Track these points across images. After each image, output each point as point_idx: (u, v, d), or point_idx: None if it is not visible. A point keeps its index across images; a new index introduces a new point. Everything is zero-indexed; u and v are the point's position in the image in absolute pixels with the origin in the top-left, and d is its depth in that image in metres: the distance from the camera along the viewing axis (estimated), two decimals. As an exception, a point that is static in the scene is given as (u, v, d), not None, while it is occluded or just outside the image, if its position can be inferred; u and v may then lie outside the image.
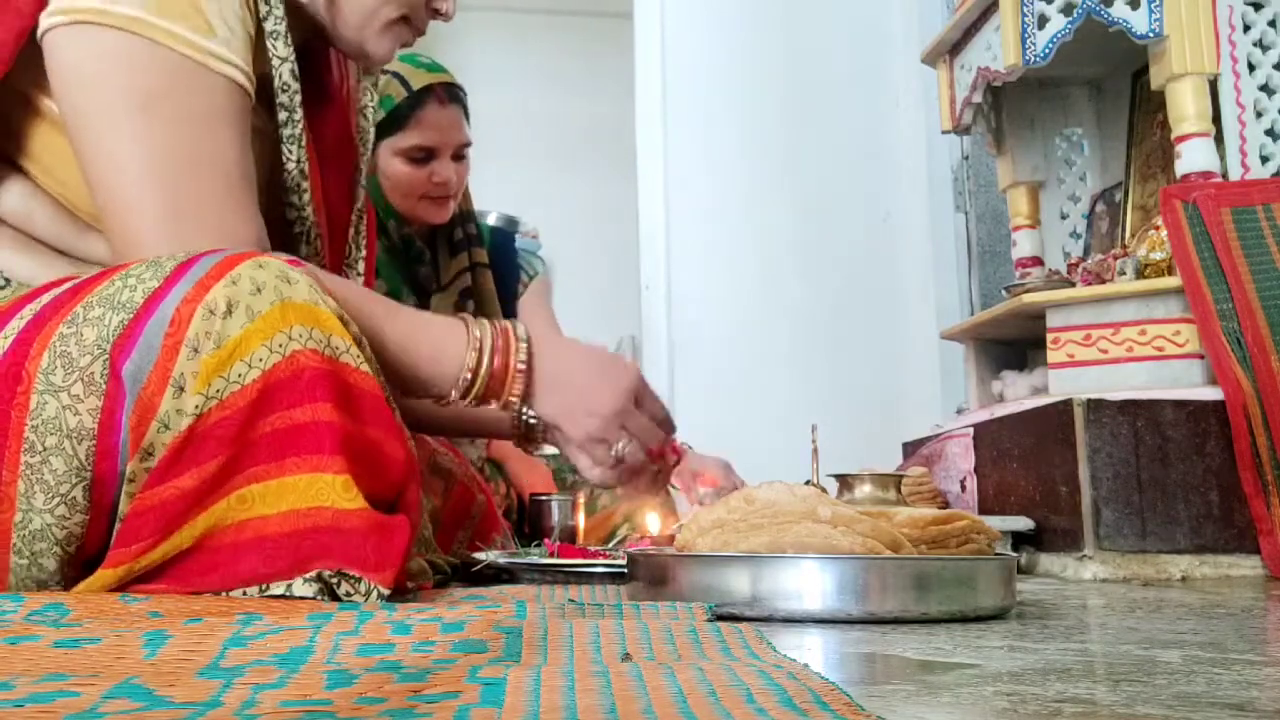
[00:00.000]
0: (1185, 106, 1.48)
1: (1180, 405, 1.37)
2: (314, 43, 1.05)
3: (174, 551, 0.75)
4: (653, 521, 1.41)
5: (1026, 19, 1.55)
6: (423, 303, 1.68)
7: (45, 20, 0.85)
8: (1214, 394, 1.36)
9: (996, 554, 0.87)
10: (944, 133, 1.93)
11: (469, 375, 0.94)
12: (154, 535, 0.74)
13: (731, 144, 2.74)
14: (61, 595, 0.71)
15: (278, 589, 0.74)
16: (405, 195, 1.65)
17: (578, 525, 1.43)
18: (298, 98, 0.96)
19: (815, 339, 2.72)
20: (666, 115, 2.78)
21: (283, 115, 0.96)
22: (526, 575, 1.11)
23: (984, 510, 1.56)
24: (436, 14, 1.05)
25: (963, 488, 1.64)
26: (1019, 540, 1.45)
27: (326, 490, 0.74)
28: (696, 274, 2.75)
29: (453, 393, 0.94)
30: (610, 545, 1.39)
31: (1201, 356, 1.41)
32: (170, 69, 0.85)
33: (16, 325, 0.78)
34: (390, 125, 1.62)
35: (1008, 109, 1.93)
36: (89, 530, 0.76)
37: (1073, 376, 1.48)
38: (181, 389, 0.74)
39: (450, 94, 1.66)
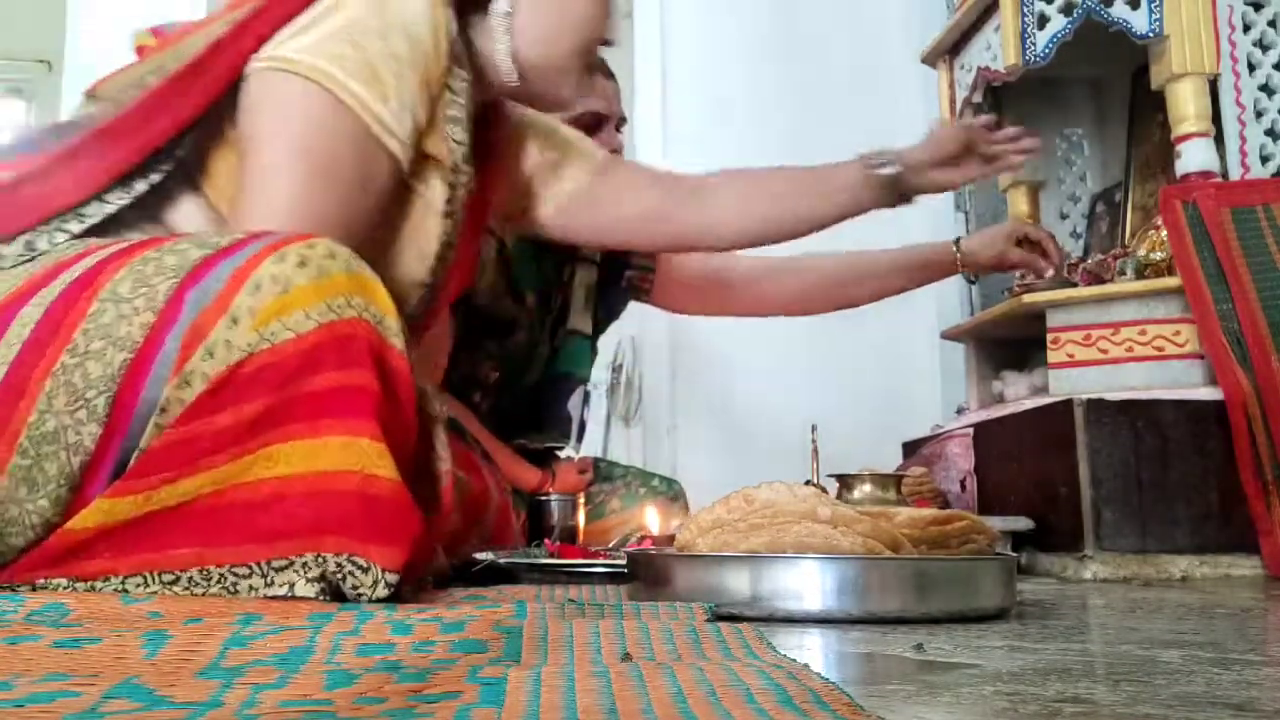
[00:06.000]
0: (1185, 106, 1.48)
1: (1180, 405, 1.37)
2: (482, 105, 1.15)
3: (193, 494, 0.75)
4: (652, 521, 1.41)
5: (1026, 19, 1.55)
6: (543, 298, 1.66)
7: (253, 64, 0.95)
8: (1214, 394, 1.36)
9: (996, 554, 0.87)
10: (944, 133, 1.93)
11: None
12: (179, 468, 0.75)
13: (731, 144, 2.74)
14: (62, 595, 0.71)
15: (281, 589, 0.73)
16: None
17: (578, 525, 1.43)
18: (464, 179, 1.05)
19: (815, 339, 2.71)
20: (666, 115, 2.78)
21: (447, 193, 1.04)
22: (526, 575, 1.11)
23: (984, 510, 1.56)
24: (606, 44, 1.17)
25: (963, 488, 1.64)
26: (1019, 540, 1.45)
27: (361, 455, 0.75)
28: (696, 274, 2.74)
29: None
30: (611, 545, 1.39)
31: (1201, 356, 1.41)
32: (338, 127, 0.94)
33: (115, 248, 0.83)
34: None
35: (1008, 109, 1.93)
36: (97, 449, 0.77)
37: (1073, 376, 1.48)
38: (236, 320, 0.76)
39: (607, 68, 1.64)
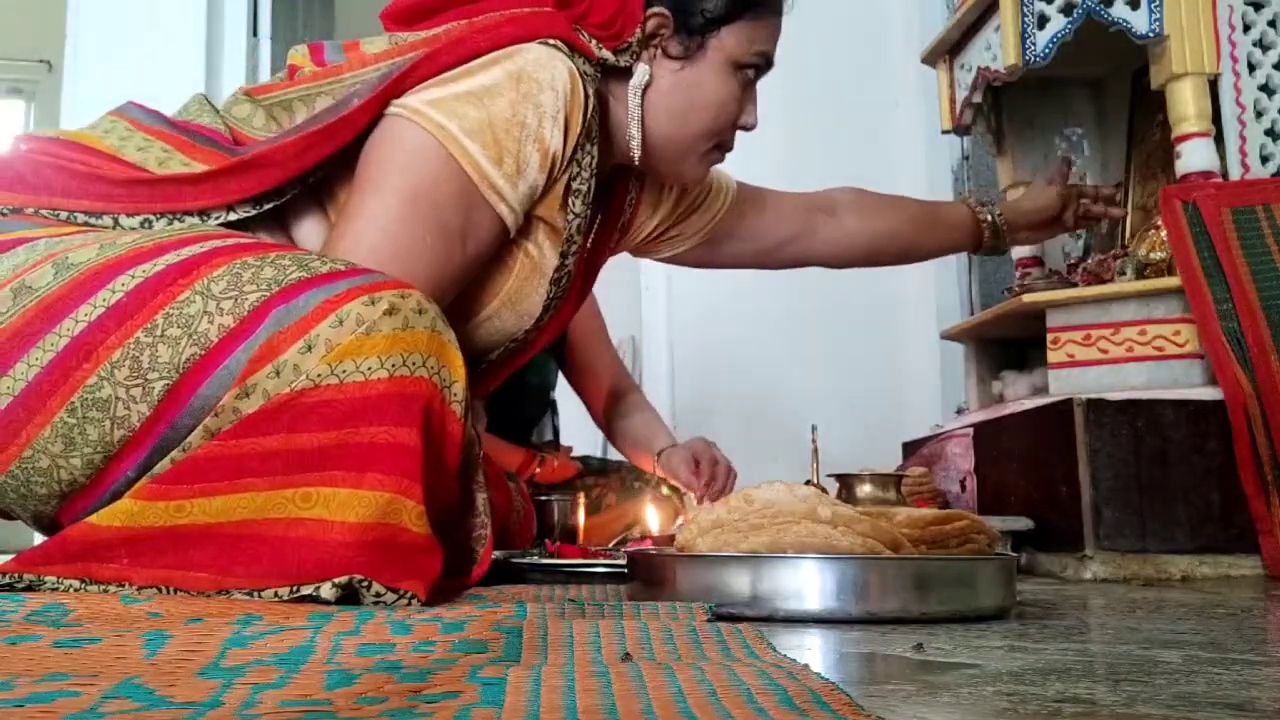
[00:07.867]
0: (1185, 106, 1.48)
1: (1180, 405, 1.37)
2: (609, 175, 1.16)
3: (224, 517, 0.75)
4: (652, 520, 1.41)
5: (1026, 19, 1.55)
6: None
7: (389, 109, 0.98)
8: (1214, 394, 1.36)
9: (996, 554, 0.87)
10: (944, 133, 1.93)
11: None
12: (218, 481, 0.75)
13: (731, 144, 2.74)
14: (62, 596, 0.71)
15: (307, 589, 0.73)
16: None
17: (578, 525, 1.43)
18: (575, 248, 1.07)
19: (815, 339, 2.71)
20: (666, 115, 2.78)
21: (557, 261, 1.06)
22: (527, 575, 1.11)
23: (984, 510, 1.56)
24: (743, 128, 1.17)
25: (963, 488, 1.64)
26: (1019, 540, 1.45)
27: (403, 513, 0.76)
28: (696, 275, 2.75)
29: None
30: (611, 545, 1.39)
31: (1201, 356, 1.41)
32: (449, 179, 0.96)
33: (224, 242, 0.84)
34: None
35: (1008, 109, 1.93)
36: (140, 429, 0.78)
37: (1073, 376, 1.48)
38: (310, 348, 0.77)
39: None
